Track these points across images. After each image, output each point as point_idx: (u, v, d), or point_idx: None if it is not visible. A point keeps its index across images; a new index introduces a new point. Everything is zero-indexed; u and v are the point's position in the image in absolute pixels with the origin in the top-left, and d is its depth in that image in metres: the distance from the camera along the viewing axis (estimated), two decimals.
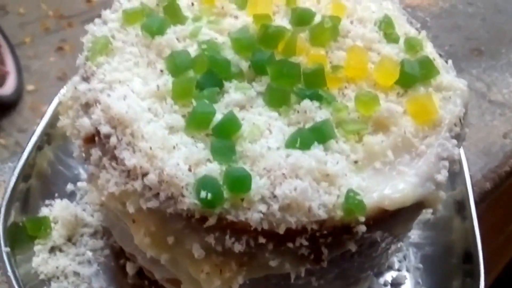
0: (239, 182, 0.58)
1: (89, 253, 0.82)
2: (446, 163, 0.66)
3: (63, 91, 0.91)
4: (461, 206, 0.90)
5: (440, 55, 0.79)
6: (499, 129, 1.17)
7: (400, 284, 0.86)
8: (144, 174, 0.60)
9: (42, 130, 0.89)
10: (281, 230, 0.59)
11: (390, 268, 0.87)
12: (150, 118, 0.64)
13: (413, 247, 0.90)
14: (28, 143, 0.86)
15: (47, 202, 0.87)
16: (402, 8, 0.87)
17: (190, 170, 0.59)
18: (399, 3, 0.88)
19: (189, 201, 0.58)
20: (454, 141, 0.68)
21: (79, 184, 0.90)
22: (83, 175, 0.90)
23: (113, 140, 0.62)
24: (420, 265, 0.88)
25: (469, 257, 0.85)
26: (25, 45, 3.15)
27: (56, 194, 0.88)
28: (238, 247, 0.60)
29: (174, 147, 0.61)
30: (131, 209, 0.61)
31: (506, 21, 1.48)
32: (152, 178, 0.59)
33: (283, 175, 0.60)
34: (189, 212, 0.59)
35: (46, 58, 3.14)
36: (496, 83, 1.28)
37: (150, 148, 0.60)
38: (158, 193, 0.59)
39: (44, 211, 0.85)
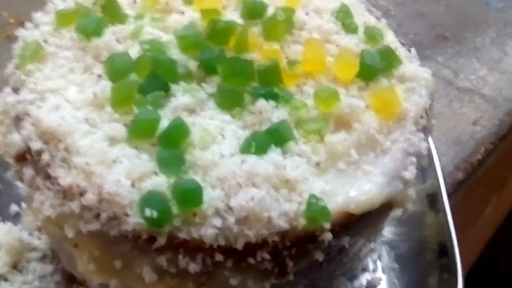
0: (189, 196, 0.53)
1: (38, 281, 0.75)
2: (414, 159, 0.62)
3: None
4: (433, 200, 0.87)
5: (403, 44, 0.75)
6: (469, 116, 1.13)
7: (375, 286, 0.81)
8: (82, 194, 0.54)
9: None
10: (240, 245, 0.54)
11: (365, 270, 0.83)
12: (87, 129, 0.58)
13: (387, 246, 0.86)
14: None
15: None
16: (362, 1, 0.82)
17: (133, 185, 0.54)
18: None
19: (134, 220, 0.52)
20: (421, 135, 0.64)
21: (24, 204, 0.82)
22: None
23: (45, 156, 0.56)
24: (395, 265, 0.84)
25: (444, 251, 0.81)
26: None
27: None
28: (193, 267, 0.55)
29: (114, 161, 0.55)
30: (70, 233, 0.55)
31: (470, 6, 1.44)
32: (90, 197, 0.53)
33: (238, 185, 0.55)
34: (135, 233, 0.53)
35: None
36: (463, 69, 1.25)
37: (87, 163, 0.54)
38: (99, 214, 0.54)
39: None
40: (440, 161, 0.92)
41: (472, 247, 1.58)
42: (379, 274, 0.83)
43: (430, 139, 0.91)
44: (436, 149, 0.94)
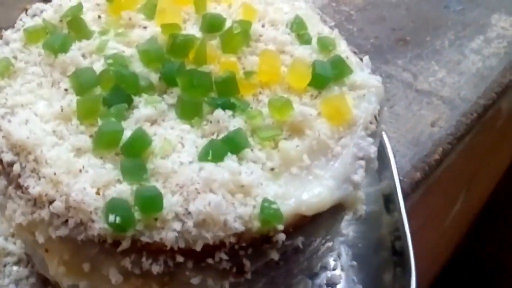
0: (150, 202, 0.57)
1: (13, 284, 0.78)
2: (363, 163, 0.65)
3: None
4: (389, 200, 0.91)
5: (355, 53, 0.79)
6: (427, 118, 1.18)
7: (335, 284, 0.85)
8: (51, 202, 0.57)
9: None
10: (198, 247, 0.57)
11: (325, 268, 0.86)
12: (55, 141, 0.61)
13: (345, 245, 0.89)
14: None
15: None
16: (325, 7, 0.87)
17: (98, 193, 0.57)
18: None
19: (100, 226, 0.56)
20: (370, 139, 0.67)
21: None
22: None
23: (16, 167, 0.60)
24: (354, 262, 0.87)
25: (399, 249, 0.85)
26: None
27: None
28: (156, 268, 0.58)
29: (80, 171, 0.59)
30: (40, 239, 0.59)
31: (430, 9, 1.49)
32: (58, 205, 0.57)
33: (196, 190, 0.58)
34: (101, 237, 0.57)
35: None
36: (422, 72, 1.29)
37: (55, 173, 0.58)
38: (67, 220, 0.57)
39: None
40: (399, 161, 0.96)
41: (444, 241, 1.64)
42: (339, 271, 0.87)
43: (386, 141, 0.96)
44: (395, 150, 0.98)
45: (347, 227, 0.90)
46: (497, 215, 1.85)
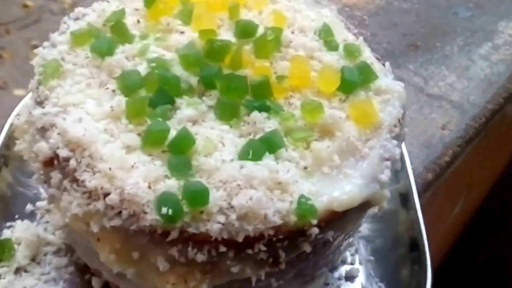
0: (198, 196, 0.61)
1: (54, 272, 0.84)
2: (389, 163, 0.70)
3: (15, 112, 0.94)
4: (405, 199, 0.95)
5: (378, 59, 0.84)
6: (438, 121, 1.23)
7: (354, 277, 0.90)
8: (106, 194, 0.62)
9: None
10: (240, 238, 0.62)
11: (344, 262, 0.92)
12: (107, 139, 0.66)
13: (363, 240, 0.95)
14: None
15: (7, 224, 0.88)
16: (339, 12, 0.91)
17: (149, 187, 0.62)
18: (337, 2, 0.92)
19: (151, 217, 0.61)
20: (395, 142, 0.72)
21: (38, 204, 0.91)
22: (42, 194, 0.92)
23: (72, 163, 0.64)
24: (371, 257, 0.93)
25: (416, 245, 0.89)
26: None
27: (17, 215, 0.90)
28: (200, 257, 0.63)
29: (132, 166, 0.64)
30: (95, 228, 0.63)
31: (439, 16, 1.54)
32: (113, 197, 0.61)
33: (238, 186, 0.63)
34: (151, 228, 0.61)
35: None
36: (433, 77, 1.34)
37: (110, 168, 0.63)
38: (120, 212, 0.62)
39: (6, 233, 0.86)
40: (411, 163, 1.01)
41: (444, 241, 1.68)
42: (357, 265, 0.92)
43: (402, 144, 1.01)
44: (408, 151, 1.03)
45: (364, 224, 0.95)
46: (494, 217, 1.90)
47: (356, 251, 0.93)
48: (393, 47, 1.42)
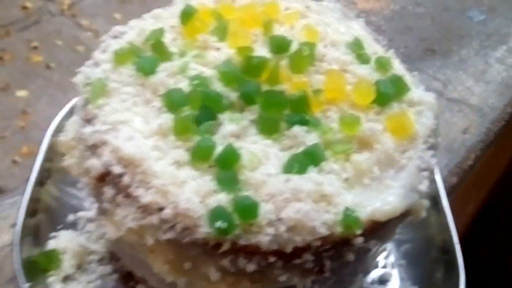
0: (249, 210, 0.64)
1: (100, 279, 0.87)
2: (426, 174, 0.73)
3: (54, 125, 0.97)
4: (435, 202, 0.97)
5: (408, 70, 0.86)
6: (459, 125, 1.26)
7: (386, 281, 0.93)
8: (160, 209, 0.65)
9: (39, 166, 0.93)
10: (289, 249, 0.65)
11: (376, 266, 0.95)
12: (157, 155, 0.69)
13: (394, 244, 0.97)
14: (29, 180, 0.91)
15: (52, 234, 0.91)
16: (365, 26, 0.94)
17: (201, 202, 0.65)
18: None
19: (204, 230, 0.64)
20: (430, 152, 0.75)
21: (79, 214, 0.94)
22: (83, 205, 0.95)
23: (126, 179, 0.67)
24: (403, 261, 0.96)
25: (447, 248, 0.93)
26: None
27: (60, 226, 0.93)
28: (250, 267, 0.66)
29: (183, 182, 0.67)
30: (150, 241, 0.66)
31: (454, 19, 1.57)
32: (168, 212, 0.64)
33: (285, 200, 0.66)
34: (204, 240, 0.64)
35: None
36: (451, 81, 1.37)
37: (163, 184, 0.66)
38: (174, 225, 0.65)
39: (52, 243, 0.89)
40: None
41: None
42: (389, 269, 0.95)
43: None
44: None
45: None
46: (498, 213, 1.92)
47: (388, 255, 0.96)
48: (411, 52, 1.45)
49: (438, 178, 1.00)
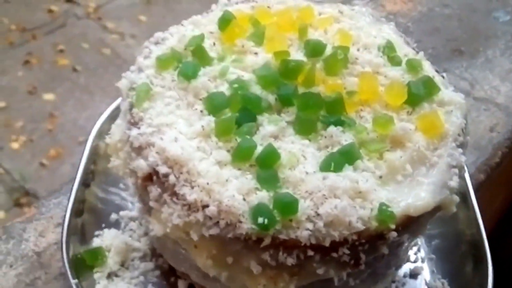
0: (288, 206, 0.68)
1: (142, 276, 0.91)
2: (456, 170, 0.76)
3: (96, 128, 1.01)
4: (463, 198, 1.00)
5: (437, 71, 0.90)
6: (485, 123, 1.28)
7: (417, 274, 0.97)
8: (205, 206, 0.69)
9: (83, 167, 0.98)
10: (327, 243, 0.69)
11: (408, 260, 0.98)
12: (201, 156, 0.73)
13: (425, 238, 1.01)
14: (74, 181, 0.96)
15: (96, 232, 0.96)
16: (396, 29, 0.97)
17: (244, 199, 0.69)
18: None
19: (247, 226, 0.68)
20: (460, 150, 0.78)
21: (121, 213, 0.99)
22: (125, 205, 1.00)
23: (171, 178, 0.71)
24: (433, 255, 0.99)
25: (476, 243, 0.96)
26: None
27: (103, 225, 0.98)
28: (290, 261, 0.70)
29: (227, 180, 0.71)
30: (195, 237, 0.70)
31: (480, 20, 1.59)
32: (212, 209, 0.68)
33: (323, 196, 0.70)
34: (246, 236, 0.68)
35: (14, 72, 3.16)
36: (478, 80, 1.39)
37: (207, 183, 0.70)
38: (218, 221, 0.69)
39: (96, 241, 0.94)
40: None
41: None
42: (419, 263, 0.98)
43: None
44: None
45: None
46: None
47: (419, 249, 0.99)
48: (438, 52, 1.48)
49: (466, 175, 1.03)
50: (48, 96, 3.03)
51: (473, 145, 1.23)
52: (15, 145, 2.79)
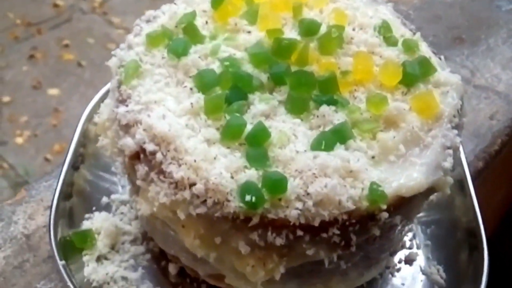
0: (277, 185, 0.66)
1: (132, 259, 0.90)
2: (451, 151, 0.74)
3: (87, 111, 1.00)
4: (460, 185, 0.99)
5: (434, 53, 0.88)
6: (485, 111, 1.26)
7: (412, 260, 0.95)
8: (192, 184, 0.67)
9: (73, 150, 0.96)
10: (316, 223, 0.67)
11: (403, 246, 0.96)
12: (189, 133, 0.71)
13: (421, 225, 0.99)
14: (63, 164, 0.94)
15: (87, 215, 0.94)
16: (393, 10, 0.95)
17: (232, 177, 0.67)
18: None
19: (234, 204, 0.66)
20: (455, 131, 0.76)
21: (112, 196, 0.98)
22: (116, 189, 0.99)
23: (158, 156, 0.70)
24: (429, 242, 0.97)
25: (472, 231, 0.94)
26: None
27: (94, 208, 0.96)
28: (279, 241, 0.68)
29: (215, 158, 0.69)
30: (181, 216, 0.69)
31: (482, 9, 1.57)
32: (199, 187, 0.67)
33: (313, 175, 0.68)
34: (234, 215, 0.67)
35: (19, 67, 3.16)
36: (479, 68, 1.37)
37: (195, 160, 0.68)
38: (205, 200, 0.67)
39: (86, 224, 0.92)
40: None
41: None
42: (415, 250, 0.97)
43: None
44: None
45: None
46: None
47: (414, 236, 0.98)
48: (439, 40, 1.46)
49: (464, 162, 1.01)
50: (53, 91, 3.02)
51: (472, 133, 1.21)
52: (19, 140, 2.78)
